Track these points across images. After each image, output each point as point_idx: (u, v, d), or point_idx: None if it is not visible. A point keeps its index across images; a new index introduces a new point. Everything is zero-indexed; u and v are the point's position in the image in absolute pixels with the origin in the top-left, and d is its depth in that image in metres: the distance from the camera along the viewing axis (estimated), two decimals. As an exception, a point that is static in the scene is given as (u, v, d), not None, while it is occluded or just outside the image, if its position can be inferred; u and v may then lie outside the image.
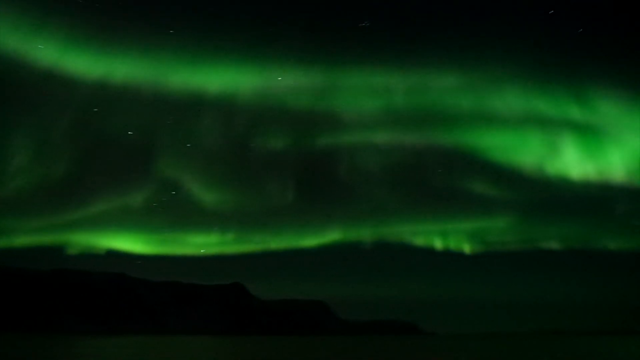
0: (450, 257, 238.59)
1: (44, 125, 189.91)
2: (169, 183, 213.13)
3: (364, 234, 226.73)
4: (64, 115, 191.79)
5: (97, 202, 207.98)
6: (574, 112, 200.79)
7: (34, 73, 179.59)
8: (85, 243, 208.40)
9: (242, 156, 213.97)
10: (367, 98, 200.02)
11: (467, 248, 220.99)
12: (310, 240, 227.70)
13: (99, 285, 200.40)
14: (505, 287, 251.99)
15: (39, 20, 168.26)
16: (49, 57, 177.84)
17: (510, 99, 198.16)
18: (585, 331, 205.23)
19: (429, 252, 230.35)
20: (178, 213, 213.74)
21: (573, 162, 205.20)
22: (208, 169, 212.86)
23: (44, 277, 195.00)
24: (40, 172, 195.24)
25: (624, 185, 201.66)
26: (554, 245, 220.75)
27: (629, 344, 58.72)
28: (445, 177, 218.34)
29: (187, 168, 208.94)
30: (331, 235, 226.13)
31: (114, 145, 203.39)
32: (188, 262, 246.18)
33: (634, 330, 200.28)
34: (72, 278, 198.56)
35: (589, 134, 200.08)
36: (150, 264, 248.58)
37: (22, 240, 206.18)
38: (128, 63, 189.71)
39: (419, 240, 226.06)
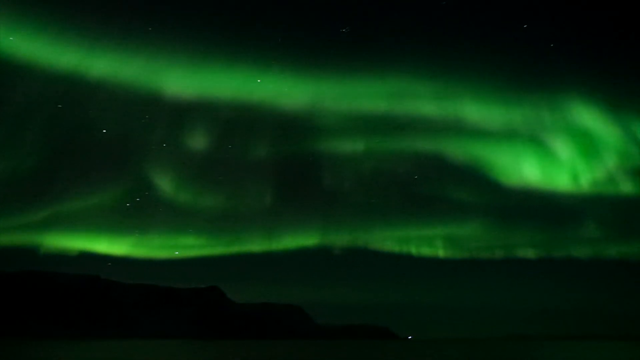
0: (425, 262, 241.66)
1: (12, 120, 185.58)
2: (144, 183, 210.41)
3: (341, 238, 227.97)
4: (35, 110, 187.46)
5: (69, 202, 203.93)
6: (548, 122, 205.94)
7: (2, 65, 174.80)
8: (56, 244, 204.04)
9: (220, 157, 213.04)
10: (346, 103, 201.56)
11: (441, 253, 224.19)
12: (287, 244, 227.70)
13: (71, 287, 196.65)
14: (479, 293, 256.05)
15: (10, 10, 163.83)
16: (21, 48, 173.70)
17: (486, 108, 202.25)
18: (557, 336, 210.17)
19: (404, 257, 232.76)
20: (153, 214, 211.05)
21: (546, 171, 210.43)
22: (184, 170, 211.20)
23: (12, 279, 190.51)
24: (9, 170, 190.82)
25: (593, 194, 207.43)
26: (527, 251, 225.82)
27: (601, 348, 60.33)
28: (421, 183, 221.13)
29: (162, 168, 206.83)
30: (308, 240, 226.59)
31: (87, 143, 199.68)
32: (164, 264, 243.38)
33: (605, 335, 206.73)
34: (43, 280, 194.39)
35: (563, 144, 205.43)
36: (125, 266, 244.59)
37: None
38: (104, 58, 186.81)
39: (395, 246, 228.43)
